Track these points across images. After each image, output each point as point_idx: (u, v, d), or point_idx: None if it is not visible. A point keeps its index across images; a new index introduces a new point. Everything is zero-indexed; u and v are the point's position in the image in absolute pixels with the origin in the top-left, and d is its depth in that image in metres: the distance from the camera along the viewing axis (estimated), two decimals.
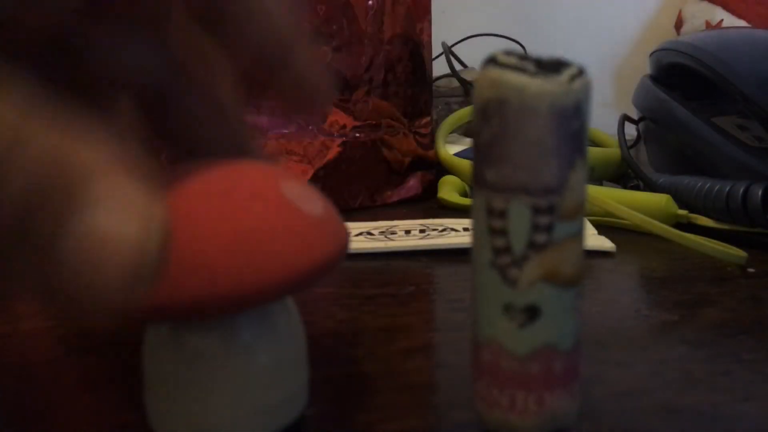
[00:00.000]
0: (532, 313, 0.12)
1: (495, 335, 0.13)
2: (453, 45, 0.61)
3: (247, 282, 0.11)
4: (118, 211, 0.09)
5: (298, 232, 0.12)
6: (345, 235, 0.13)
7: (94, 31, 0.13)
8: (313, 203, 0.13)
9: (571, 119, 0.11)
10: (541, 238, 0.12)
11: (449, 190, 0.37)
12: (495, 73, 0.11)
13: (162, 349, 0.13)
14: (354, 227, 0.31)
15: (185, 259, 0.11)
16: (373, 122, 0.37)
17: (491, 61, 0.12)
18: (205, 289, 0.11)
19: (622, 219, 0.29)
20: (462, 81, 0.53)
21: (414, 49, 0.39)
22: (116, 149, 0.09)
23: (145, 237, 0.09)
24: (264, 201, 0.12)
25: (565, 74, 0.11)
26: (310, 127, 0.35)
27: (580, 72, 0.12)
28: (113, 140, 0.10)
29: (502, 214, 0.12)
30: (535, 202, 0.12)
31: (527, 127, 0.11)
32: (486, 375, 0.13)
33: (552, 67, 0.12)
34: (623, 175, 0.40)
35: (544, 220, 0.12)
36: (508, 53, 0.12)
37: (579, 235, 0.12)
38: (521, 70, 0.11)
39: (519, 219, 0.12)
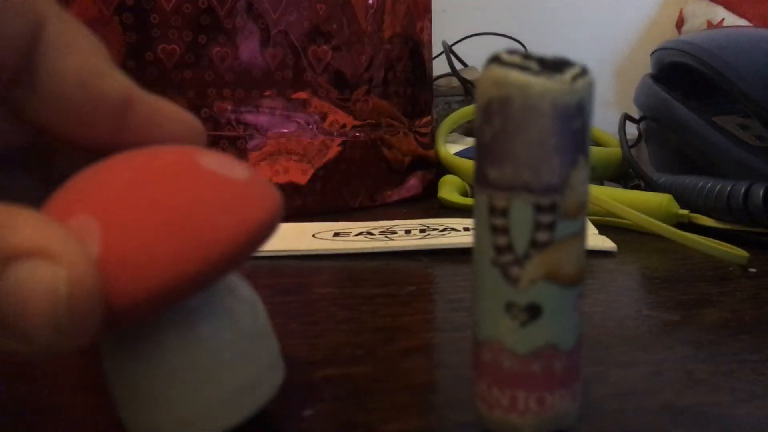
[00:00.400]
0: (533, 312, 0.12)
1: (496, 334, 0.13)
2: (453, 44, 0.61)
3: (195, 258, 0.11)
4: (26, 264, 0.10)
5: (230, 197, 0.12)
6: (275, 193, 0.13)
7: None
8: (237, 169, 0.12)
9: (574, 118, 0.11)
10: (543, 236, 0.12)
11: (449, 189, 0.37)
12: (498, 71, 0.11)
13: (119, 346, 0.12)
14: (354, 227, 0.31)
15: (126, 258, 0.11)
16: (373, 121, 0.37)
17: (494, 59, 0.12)
18: (155, 281, 0.11)
19: (623, 219, 0.29)
20: (462, 80, 0.53)
21: (414, 48, 0.38)
22: None
23: (59, 281, 0.10)
24: (187, 177, 0.12)
25: (568, 73, 0.11)
26: (310, 127, 0.35)
27: (583, 71, 0.12)
28: None
29: (504, 213, 0.12)
30: (537, 201, 0.12)
31: (530, 125, 0.11)
32: (487, 375, 0.13)
33: (555, 66, 0.12)
34: (624, 174, 0.40)
35: (546, 218, 0.12)
36: (512, 52, 0.12)
37: (581, 234, 0.12)
38: (524, 68, 0.11)
39: (521, 217, 0.12)
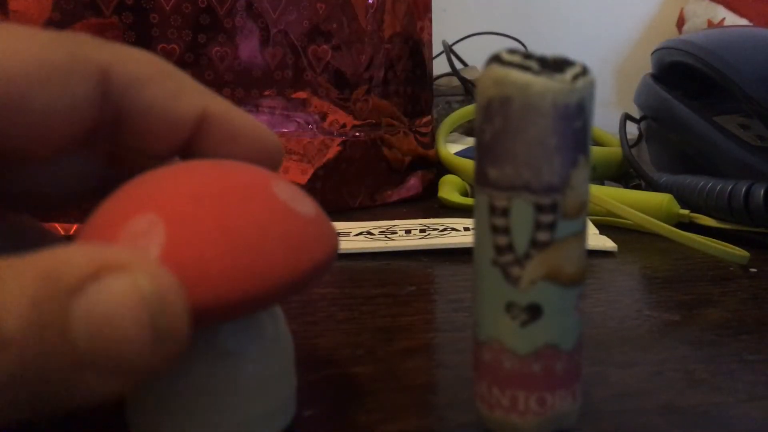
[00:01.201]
0: (534, 312, 0.12)
1: (497, 334, 0.12)
2: (454, 43, 0.61)
3: (248, 286, 0.11)
4: (110, 283, 0.09)
5: (296, 233, 0.12)
6: (335, 234, 0.13)
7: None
8: (305, 204, 0.13)
9: (575, 117, 0.11)
10: (543, 236, 0.12)
11: (450, 189, 0.37)
12: (499, 71, 0.11)
13: None
14: (354, 227, 0.30)
15: (183, 267, 0.11)
16: (373, 121, 0.37)
17: (495, 59, 0.12)
18: (203, 297, 0.10)
19: (624, 218, 0.29)
20: (463, 80, 0.53)
21: (414, 47, 0.38)
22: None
23: (140, 284, 0.09)
24: (259, 202, 0.12)
25: (569, 73, 0.11)
26: (309, 126, 0.34)
27: (584, 70, 0.12)
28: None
29: (505, 212, 0.12)
30: (537, 200, 0.12)
31: (530, 124, 0.11)
32: (487, 375, 0.13)
33: (556, 65, 0.12)
34: (625, 174, 0.40)
35: (546, 218, 0.12)
36: (512, 51, 0.12)
37: (581, 233, 0.12)
38: (525, 68, 0.11)
39: (521, 217, 0.12)
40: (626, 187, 0.38)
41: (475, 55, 0.66)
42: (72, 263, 0.09)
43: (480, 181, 0.12)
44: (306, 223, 0.12)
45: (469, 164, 0.38)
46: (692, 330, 0.19)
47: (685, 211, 0.30)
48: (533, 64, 0.11)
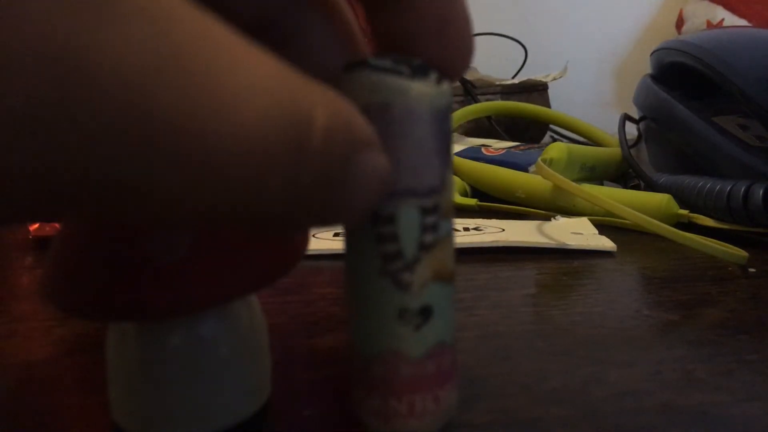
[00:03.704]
0: (426, 314, 0.12)
1: (389, 344, 0.12)
2: None
3: (233, 278, 0.12)
4: (377, 151, 0.10)
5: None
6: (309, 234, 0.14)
7: None
8: None
9: (445, 119, 0.12)
10: (429, 238, 0.12)
11: None
12: (372, 76, 0.11)
13: (125, 345, 0.13)
14: None
15: (173, 263, 0.11)
16: None
17: (362, 64, 0.11)
18: (195, 289, 0.11)
19: (623, 219, 0.29)
20: (462, 80, 0.53)
21: None
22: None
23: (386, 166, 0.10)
24: None
25: (433, 76, 0.11)
26: None
27: (440, 75, 0.12)
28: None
29: (392, 220, 0.12)
30: (422, 204, 0.12)
31: (413, 129, 0.11)
32: (381, 388, 0.13)
33: (421, 69, 0.11)
34: (624, 174, 0.40)
35: (431, 220, 0.12)
36: (380, 55, 0.12)
37: (452, 230, 0.13)
38: (399, 73, 0.11)
39: (408, 222, 0.12)
40: (625, 187, 0.38)
41: (475, 55, 0.66)
42: (361, 124, 0.10)
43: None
44: None
45: (469, 164, 0.38)
46: (691, 330, 0.19)
47: (684, 211, 0.30)
48: (404, 69, 0.11)
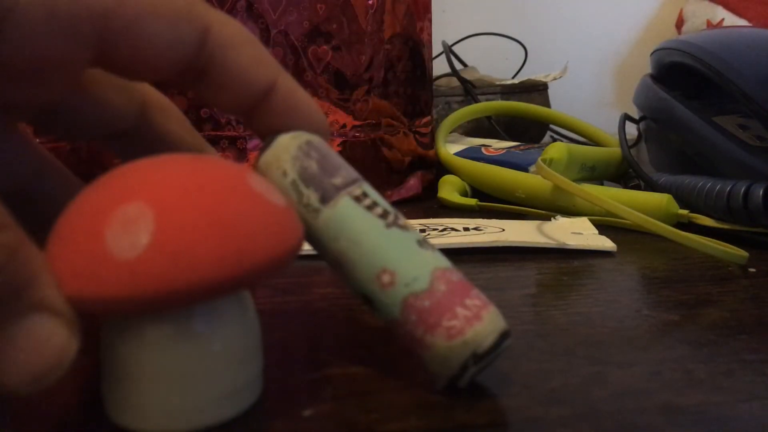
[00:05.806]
0: (424, 242, 0.16)
1: (419, 275, 0.15)
2: (453, 44, 0.61)
3: (232, 269, 0.12)
4: (50, 321, 0.12)
5: (273, 221, 0.13)
6: (302, 226, 0.15)
7: None
8: (277, 196, 0.14)
9: (325, 142, 0.17)
10: (381, 198, 0.16)
11: (449, 189, 0.37)
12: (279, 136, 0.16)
13: (119, 339, 0.13)
14: None
15: (173, 253, 0.12)
16: (373, 121, 0.37)
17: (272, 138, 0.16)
18: (193, 277, 0.12)
19: (623, 219, 0.29)
20: (462, 80, 0.53)
21: (414, 48, 0.38)
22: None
23: (67, 343, 0.12)
24: (238, 193, 0.13)
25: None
26: None
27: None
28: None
29: (365, 194, 0.16)
30: (362, 181, 0.16)
31: (331, 152, 0.16)
32: (432, 316, 0.14)
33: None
34: (624, 174, 0.40)
35: (368, 188, 0.16)
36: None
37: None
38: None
39: (370, 191, 0.16)
40: (625, 187, 0.38)
41: (474, 55, 0.66)
42: (42, 287, 0.12)
43: (332, 193, 0.15)
44: (280, 212, 0.13)
45: (469, 164, 0.38)
46: (691, 330, 0.19)
47: (684, 211, 0.30)
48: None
